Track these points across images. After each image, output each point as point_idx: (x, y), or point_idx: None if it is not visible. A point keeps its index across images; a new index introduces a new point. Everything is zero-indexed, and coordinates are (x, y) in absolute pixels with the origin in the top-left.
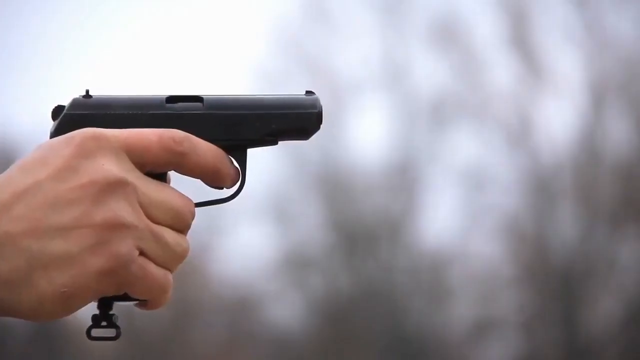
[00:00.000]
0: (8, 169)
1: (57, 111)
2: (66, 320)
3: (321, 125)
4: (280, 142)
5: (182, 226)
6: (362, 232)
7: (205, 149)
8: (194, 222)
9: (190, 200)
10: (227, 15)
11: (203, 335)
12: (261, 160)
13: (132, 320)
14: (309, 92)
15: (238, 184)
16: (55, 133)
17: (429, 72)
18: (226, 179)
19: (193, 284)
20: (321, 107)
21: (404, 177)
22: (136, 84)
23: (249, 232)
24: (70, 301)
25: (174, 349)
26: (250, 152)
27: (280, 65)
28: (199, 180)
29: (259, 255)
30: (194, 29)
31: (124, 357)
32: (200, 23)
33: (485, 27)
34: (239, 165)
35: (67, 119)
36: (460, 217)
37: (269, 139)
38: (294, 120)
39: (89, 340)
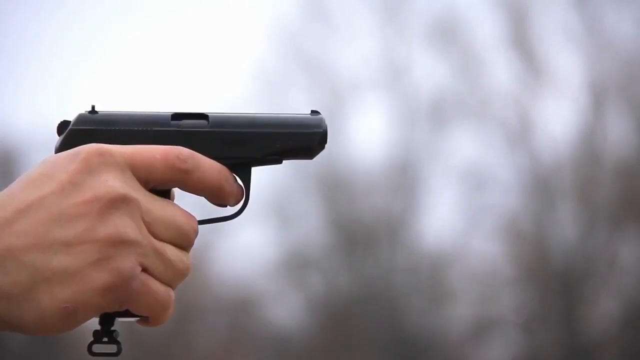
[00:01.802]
0: (12, 184)
1: (63, 126)
2: None
3: (326, 145)
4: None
5: (185, 243)
6: (362, 232)
7: (209, 167)
8: None
9: (193, 217)
10: (227, 15)
11: (203, 335)
12: None
13: None
14: (314, 112)
15: (242, 202)
16: (60, 148)
17: (429, 72)
18: (230, 197)
19: (193, 284)
20: (326, 126)
21: (404, 177)
22: (136, 84)
23: (249, 233)
24: (72, 316)
25: (175, 349)
26: None
27: (280, 65)
28: (202, 197)
29: (259, 255)
30: (195, 29)
31: (124, 357)
32: (200, 23)
33: (485, 27)
34: (243, 184)
35: (72, 134)
36: (460, 217)
37: (274, 158)
38: (299, 139)
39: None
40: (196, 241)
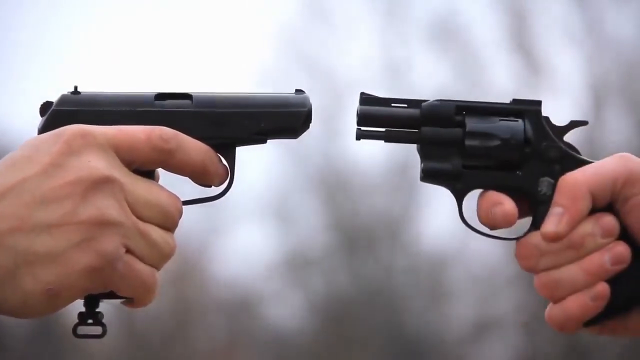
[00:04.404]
0: None
1: (45, 107)
2: (67, 319)
3: (310, 124)
4: (278, 141)
5: (169, 224)
6: (362, 232)
7: (193, 147)
8: (193, 222)
9: (177, 198)
10: (226, 15)
11: (203, 335)
12: (261, 159)
13: (132, 319)
14: (298, 91)
15: (227, 182)
16: (43, 129)
17: (429, 71)
18: (214, 177)
19: (193, 284)
20: (310, 105)
21: (404, 177)
22: (138, 84)
23: (248, 232)
24: (55, 299)
25: (174, 349)
26: (251, 151)
27: (280, 65)
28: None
29: (259, 255)
30: (193, 28)
31: (123, 357)
32: (199, 23)
33: (485, 27)
34: (228, 164)
35: (55, 115)
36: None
37: (258, 138)
38: (283, 118)
39: (91, 340)
40: (195, 241)
